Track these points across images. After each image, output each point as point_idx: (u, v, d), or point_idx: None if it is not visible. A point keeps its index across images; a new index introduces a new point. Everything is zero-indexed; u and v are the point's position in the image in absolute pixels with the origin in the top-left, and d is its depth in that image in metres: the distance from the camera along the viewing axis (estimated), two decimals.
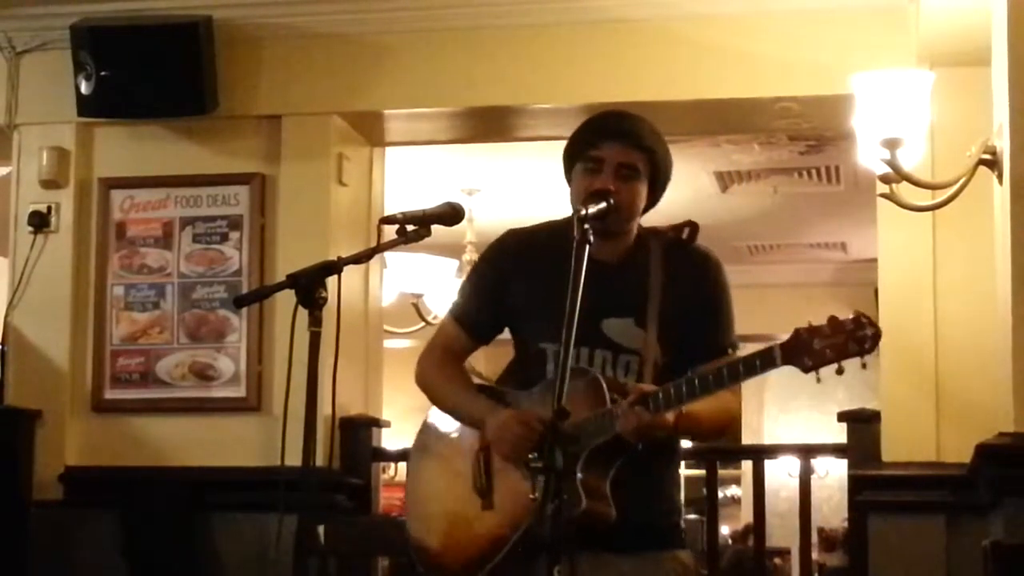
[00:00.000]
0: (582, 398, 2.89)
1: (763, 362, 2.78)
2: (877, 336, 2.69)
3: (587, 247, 2.75)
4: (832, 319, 2.73)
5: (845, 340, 2.70)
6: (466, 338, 3.20)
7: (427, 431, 3.23)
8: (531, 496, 2.79)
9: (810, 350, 2.72)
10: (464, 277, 3.32)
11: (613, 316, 3.04)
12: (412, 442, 3.26)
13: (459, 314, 3.21)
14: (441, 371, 3.20)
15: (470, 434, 3.09)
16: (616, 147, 3.00)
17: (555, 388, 2.66)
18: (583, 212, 2.83)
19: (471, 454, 3.06)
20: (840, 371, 2.70)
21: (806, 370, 2.70)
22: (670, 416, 2.88)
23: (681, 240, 3.12)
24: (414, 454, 3.25)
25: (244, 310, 5.41)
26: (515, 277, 3.11)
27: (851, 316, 2.73)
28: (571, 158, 3.09)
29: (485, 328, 3.20)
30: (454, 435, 3.16)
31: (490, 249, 3.22)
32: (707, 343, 3.08)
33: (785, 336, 2.77)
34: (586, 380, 2.94)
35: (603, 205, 2.88)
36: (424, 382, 3.21)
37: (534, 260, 3.08)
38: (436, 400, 3.20)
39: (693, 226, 3.12)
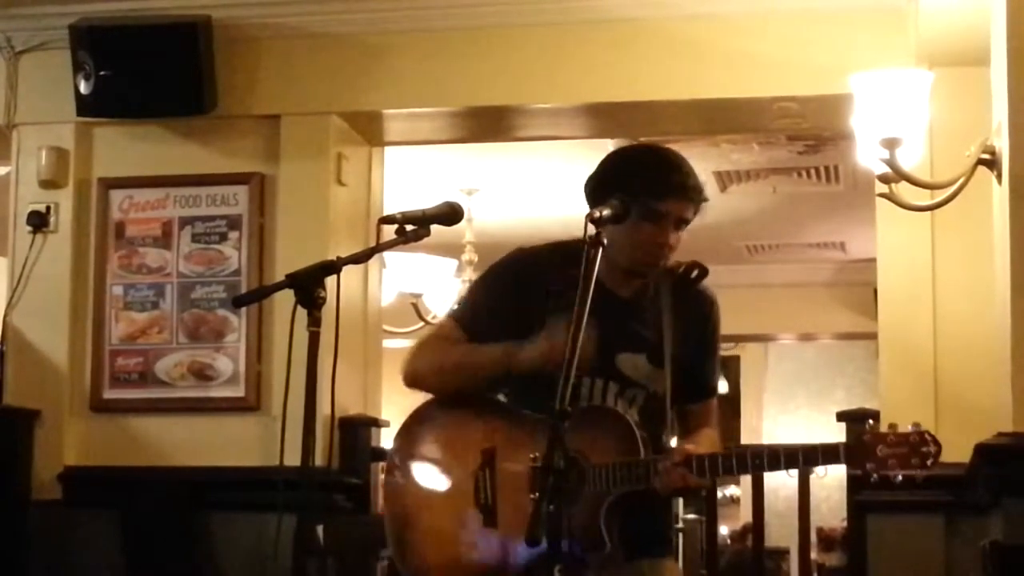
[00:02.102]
0: (611, 441, 2.94)
1: (825, 456, 2.88)
2: (938, 452, 2.79)
3: (599, 248, 2.75)
4: (893, 428, 2.81)
5: (908, 453, 2.79)
6: (466, 342, 3.16)
7: (411, 439, 3.17)
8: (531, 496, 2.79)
9: (874, 456, 2.80)
10: (474, 285, 3.27)
11: (626, 351, 3.10)
12: (393, 449, 3.19)
13: (466, 323, 3.17)
14: (443, 350, 3.14)
15: (466, 445, 3.06)
16: (681, 203, 3.05)
17: (580, 419, 2.69)
18: (597, 215, 2.81)
19: (468, 466, 3.04)
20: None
21: (868, 474, 2.79)
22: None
23: (689, 280, 3.17)
24: (400, 461, 3.17)
25: (243, 310, 5.41)
26: (531, 303, 3.08)
27: (914, 430, 2.81)
28: (617, 191, 2.96)
29: (487, 340, 3.14)
30: (446, 445, 3.13)
31: (505, 270, 3.18)
32: (700, 383, 3.20)
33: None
34: (616, 423, 2.97)
35: (608, 212, 2.85)
36: (424, 367, 3.14)
37: (550, 284, 3.06)
38: (446, 374, 3.11)
39: (702, 269, 3.17)
